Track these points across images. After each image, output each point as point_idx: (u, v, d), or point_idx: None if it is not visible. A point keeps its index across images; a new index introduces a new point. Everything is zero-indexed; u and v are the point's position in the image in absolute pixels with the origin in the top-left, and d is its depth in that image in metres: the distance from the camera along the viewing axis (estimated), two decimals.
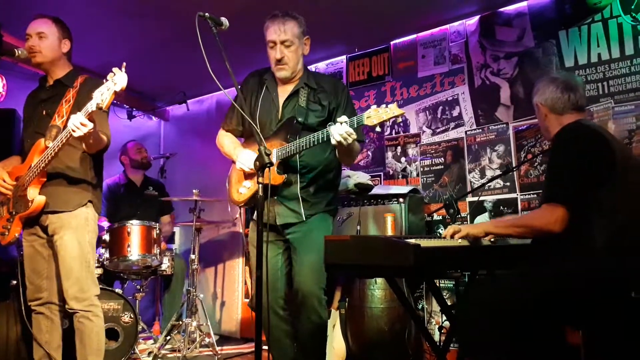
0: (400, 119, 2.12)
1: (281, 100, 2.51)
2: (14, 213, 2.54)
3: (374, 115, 2.10)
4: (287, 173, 2.39)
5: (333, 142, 2.17)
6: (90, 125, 2.21)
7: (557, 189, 1.89)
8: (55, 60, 2.60)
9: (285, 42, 2.41)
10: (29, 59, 2.64)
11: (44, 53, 2.56)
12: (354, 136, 2.15)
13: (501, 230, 2.02)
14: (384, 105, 2.11)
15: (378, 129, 2.15)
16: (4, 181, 2.54)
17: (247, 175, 2.49)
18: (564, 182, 1.89)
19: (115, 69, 2.11)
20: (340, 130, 2.13)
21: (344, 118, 2.15)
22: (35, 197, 2.45)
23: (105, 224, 3.98)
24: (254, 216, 2.56)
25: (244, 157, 2.42)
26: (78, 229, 2.49)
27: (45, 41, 2.55)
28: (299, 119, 2.41)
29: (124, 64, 2.13)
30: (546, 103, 2.11)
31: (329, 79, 2.65)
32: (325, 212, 2.50)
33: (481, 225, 2.08)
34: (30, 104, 2.71)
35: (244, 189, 2.50)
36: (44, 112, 2.59)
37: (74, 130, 2.19)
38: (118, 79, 2.09)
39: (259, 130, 2.11)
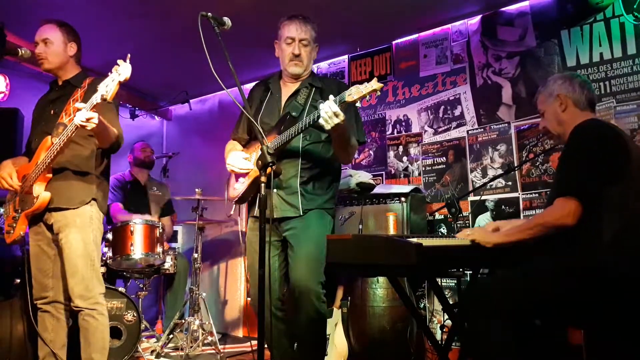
0: (379, 93, 2.10)
1: (284, 99, 2.56)
2: (19, 211, 2.56)
3: (355, 91, 2.09)
4: (286, 167, 2.42)
5: (321, 123, 2.15)
6: (95, 115, 2.22)
7: (572, 182, 1.88)
8: (63, 65, 2.63)
9: (303, 41, 2.50)
10: (32, 58, 2.66)
11: (50, 59, 2.59)
12: (341, 118, 2.13)
13: (514, 238, 1.95)
14: (365, 83, 2.10)
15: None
16: (11, 178, 2.55)
17: (243, 175, 2.54)
18: (580, 176, 1.88)
19: (120, 61, 2.13)
20: (325, 108, 2.12)
21: (331, 97, 2.14)
22: (41, 193, 2.47)
23: (121, 209, 4.01)
24: (251, 213, 2.60)
25: (232, 158, 2.50)
26: (83, 228, 2.50)
27: (51, 47, 2.58)
28: (293, 114, 2.43)
29: (129, 55, 2.15)
30: (571, 96, 2.10)
31: (333, 82, 2.73)
32: (323, 210, 2.51)
33: (492, 236, 2.02)
34: (40, 106, 2.74)
35: (239, 185, 2.55)
36: (52, 112, 2.61)
37: (83, 126, 2.21)
38: (122, 70, 2.12)
39: (260, 130, 2.12)
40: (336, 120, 2.13)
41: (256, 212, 2.52)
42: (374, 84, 2.07)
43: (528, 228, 1.95)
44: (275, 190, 2.43)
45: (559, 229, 1.86)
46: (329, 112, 2.11)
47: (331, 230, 2.55)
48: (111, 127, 2.46)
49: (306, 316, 2.37)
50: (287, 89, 2.59)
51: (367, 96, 2.11)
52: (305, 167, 2.46)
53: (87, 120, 2.20)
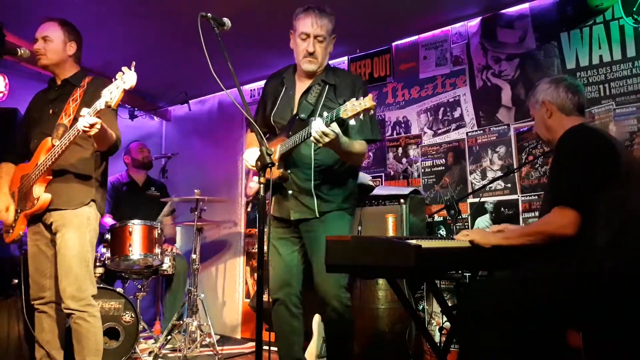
0: (372, 111, 2.08)
1: (297, 96, 2.50)
2: (18, 211, 2.55)
3: (350, 108, 2.06)
4: (299, 171, 2.40)
5: (313, 141, 2.14)
6: (99, 121, 2.22)
7: (568, 192, 1.88)
8: (61, 63, 2.63)
9: (318, 37, 2.39)
10: (31, 58, 2.66)
11: (48, 56, 2.59)
12: (332, 136, 2.11)
13: (512, 242, 1.96)
14: (361, 98, 2.07)
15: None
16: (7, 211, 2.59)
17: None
18: (575, 184, 1.88)
19: (124, 68, 2.13)
20: (315, 127, 2.10)
21: (325, 114, 2.12)
22: (41, 195, 2.46)
23: (110, 220, 3.98)
24: (271, 211, 2.58)
25: (247, 154, 2.48)
26: (80, 228, 2.50)
27: (50, 44, 2.58)
28: (301, 116, 2.40)
29: (134, 63, 2.14)
30: (555, 102, 2.10)
31: (348, 76, 2.62)
32: (342, 210, 2.46)
33: (490, 237, 2.02)
34: (38, 105, 2.72)
35: (253, 183, 2.55)
36: (51, 112, 2.61)
37: (86, 131, 2.21)
38: (127, 78, 2.11)
39: (260, 131, 2.11)
40: (327, 139, 2.12)
41: (272, 211, 2.50)
42: (368, 102, 2.03)
43: (527, 234, 1.95)
44: (290, 192, 2.43)
45: (559, 238, 1.86)
46: (319, 131, 2.10)
47: (350, 229, 2.51)
48: (110, 130, 2.45)
49: (330, 320, 2.37)
50: (302, 84, 2.51)
51: (361, 114, 2.05)
52: (318, 170, 2.42)
53: (91, 126, 2.20)
